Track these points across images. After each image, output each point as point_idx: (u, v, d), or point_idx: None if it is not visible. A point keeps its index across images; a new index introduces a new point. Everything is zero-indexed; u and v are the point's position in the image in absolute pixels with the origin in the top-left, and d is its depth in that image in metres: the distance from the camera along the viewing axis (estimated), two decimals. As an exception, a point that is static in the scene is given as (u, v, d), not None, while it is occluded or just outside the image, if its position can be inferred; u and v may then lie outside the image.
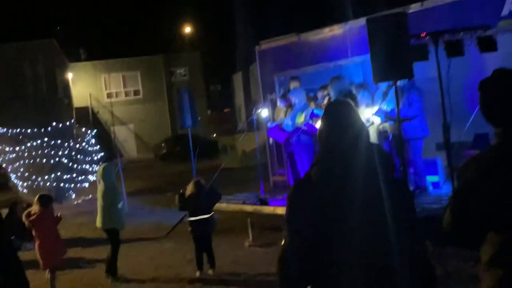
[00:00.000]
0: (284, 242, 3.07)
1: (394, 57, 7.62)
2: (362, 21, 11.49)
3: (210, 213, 8.96)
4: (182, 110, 12.54)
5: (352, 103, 3.18)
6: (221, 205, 11.63)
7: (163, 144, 38.14)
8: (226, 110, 60.08)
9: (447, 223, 2.91)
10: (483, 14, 9.31)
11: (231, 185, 16.42)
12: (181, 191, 9.16)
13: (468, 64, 9.74)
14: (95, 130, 23.90)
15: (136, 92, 46.75)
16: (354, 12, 13.98)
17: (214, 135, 46.81)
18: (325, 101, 10.67)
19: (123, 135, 43.83)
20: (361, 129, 3.06)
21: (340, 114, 3.09)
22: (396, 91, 7.93)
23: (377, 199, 2.91)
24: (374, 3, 18.10)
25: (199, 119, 14.02)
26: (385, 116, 10.17)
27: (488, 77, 2.90)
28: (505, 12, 9.19)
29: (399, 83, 9.74)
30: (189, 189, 8.93)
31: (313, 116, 10.41)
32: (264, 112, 11.72)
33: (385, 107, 10.02)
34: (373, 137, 10.53)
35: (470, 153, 10.43)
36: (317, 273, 2.96)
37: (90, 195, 18.75)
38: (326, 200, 2.92)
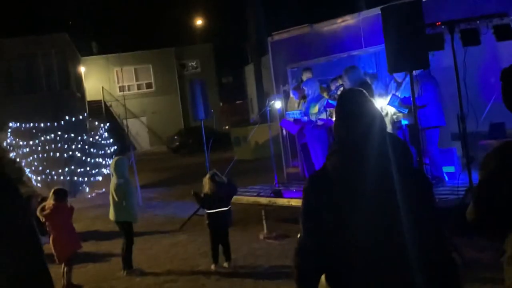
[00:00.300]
0: (300, 235, 3.04)
1: (409, 46, 7.54)
2: (375, 11, 11.38)
3: (227, 206, 8.92)
4: (195, 102, 12.49)
5: (365, 92, 3.12)
6: (235, 197, 11.62)
7: (175, 137, 38.17)
8: (238, 102, 60.07)
9: (471, 214, 2.86)
10: (498, 1, 9.17)
11: (244, 177, 16.43)
12: (192, 192, 9.09)
13: (484, 52, 9.64)
14: (107, 124, 23.91)
15: (148, 85, 46.81)
16: (367, 2, 13.83)
17: (227, 127, 46.84)
18: (339, 91, 10.59)
19: (136, 128, 43.92)
20: (375, 118, 3.00)
21: (353, 103, 3.03)
22: (411, 80, 7.85)
23: (393, 189, 2.86)
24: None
25: (211, 111, 13.97)
26: (398, 103, 10.09)
27: (510, 66, 2.83)
28: (521, -1, 9.05)
29: (414, 72, 9.68)
30: (206, 183, 8.87)
31: (328, 106, 10.34)
32: (277, 104, 11.65)
33: (399, 94, 9.94)
34: (387, 127, 10.45)
35: (485, 143, 10.33)
36: (333, 265, 2.92)
37: (104, 189, 18.79)
38: (341, 192, 2.88)
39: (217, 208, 8.85)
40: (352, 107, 3.01)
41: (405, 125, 10.11)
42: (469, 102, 8.38)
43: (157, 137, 44.71)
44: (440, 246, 2.89)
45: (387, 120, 10.56)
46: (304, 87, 10.94)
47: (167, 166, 28.61)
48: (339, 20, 12.28)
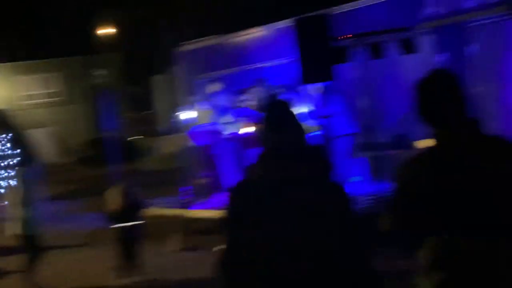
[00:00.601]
0: (223, 246, 3.01)
1: (320, 58, 7.69)
2: (284, 23, 11.55)
3: (138, 220, 8.71)
4: (102, 112, 12.22)
5: (289, 103, 3.15)
6: (145, 210, 11.43)
7: (84, 147, 37.30)
8: (145, 112, 59.42)
9: (385, 224, 2.89)
10: (403, 16, 9.48)
11: (153, 188, 16.15)
12: (104, 210, 8.84)
13: (390, 66, 9.93)
14: (10, 134, 23.04)
15: (57, 94, 45.56)
16: (276, 14, 14.01)
17: (134, 137, 46.19)
18: (248, 103, 10.65)
19: (43, 138, 42.58)
20: (299, 129, 3.04)
21: (278, 115, 3.05)
22: (323, 91, 8.00)
23: (315, 202, 2.88)
24: (296, 6, 18.28)
25: (120, 121, 13.73)
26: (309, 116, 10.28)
27: (425, 77, 2.89)
28: (423, 14, 9.38)
29: (322, 84, 9.87)
30: (115, 196, 8.62)
31: (240, 115, 10.37)
32: (186, 115, 11.57)
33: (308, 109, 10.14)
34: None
35: (390, 153, 10.63)
36: (256, 274, 2.90)
37: (6, 202, 18.05)
38: (264, 203, 2.87)
39: (128, 222, 8.64)
40: (278, 118, 3.03)
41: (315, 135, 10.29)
42: (374, 114, 8.61)
43: (65, 147, 43.52)
44: (360, 259, 2.90)
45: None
46: (213, 99, 10.92)
47: (75, 177, 27.89)
48: (248, 31, 12.37)
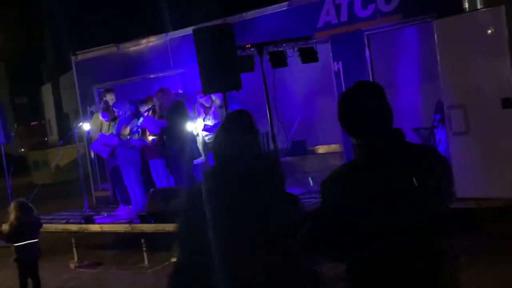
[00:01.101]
0: (178, 258, 2.99)
1: (222, 68, 7.67)
2: (182, 32, 11.47)
3: (37, 237, 8.27)
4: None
5: (247, 114, 3.14)
6: (43, 226, 10.96)
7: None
8: (33, 123, 57.46)
9: (311, 235, 2.89)
10: (301, 25, 9.65)
11: (48, 202, 15.57)
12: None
13: (289, 74, 10.08)
14: None
15: None
16: (174, 23, 13.89)
17: (22, 149, 44.45)
18: (150, 113, 10.49)
19: None
20: (256, 139, 3.04)
21: (238, 124, 3.04)
22: (225, 101, 7.98)
23: (268, 210, 2.90)
24: (193, 14, 18.23)
25: (12, 134, 13.15)
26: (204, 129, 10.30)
27: (350, 89, 2.92)
28: (320, 23, 9.59)
29: (220, 95, 9.87)
30: (13, 213, 8.16)
31: (142, 127, 10.20)
32: (85, 125, 11.23)
33: (209, 122, 10.13)
34: (200, 148, 10.54)
35: (287, 160, 10.79)
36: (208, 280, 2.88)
37: None
38: (217, 212, 2.88)
39: (25, 240, 8.19)
40: (232, 130, 3.02)
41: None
42: (279, 121, 8.71)
43: None
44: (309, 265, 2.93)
45: (199, 140, 10.68)
46: (114, 108, 10.67)
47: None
48: (146, 40, 12.19)
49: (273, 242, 2.89)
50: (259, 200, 2.90)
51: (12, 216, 8.15)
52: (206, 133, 10.28)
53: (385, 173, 2.75)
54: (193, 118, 10.52)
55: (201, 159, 10.55)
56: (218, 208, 2.90)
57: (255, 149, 3.03)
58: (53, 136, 44.63)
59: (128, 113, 10.71)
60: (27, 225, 8.13)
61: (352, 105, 2.85)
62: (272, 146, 8.60)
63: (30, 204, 8.44)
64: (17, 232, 8.12)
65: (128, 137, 10.34)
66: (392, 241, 2.71)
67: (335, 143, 11.62)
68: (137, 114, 10.97)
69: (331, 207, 2.76)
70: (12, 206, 8.25)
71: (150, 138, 10.36)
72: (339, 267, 2.89)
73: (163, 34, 11.84)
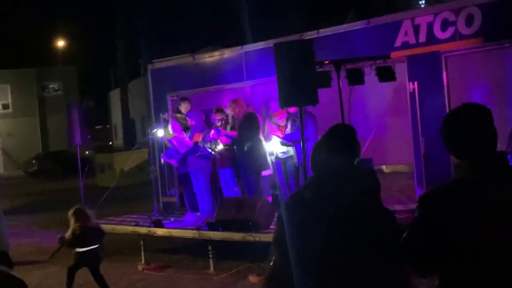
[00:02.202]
0: (274, 262, 3.07)
1: (300, 82, 7.75)
2: (258, 45, 11.67)
3: (98, 243, 8.40)
4: (71, 127, 12.06)
5: (352, 128, 3.22)
6: (112, 227, 11.29)
7: (33, 161, 36.57)
8: (97, 127, 58.76)
9: (405, 252, 2.95)
10: (378, 44, 9.70)
11: (113, 205, 15.95)
12: (59, 241, 8.45)
13: (365, 91, 10.14)
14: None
15: (5, 106, 44.61)
16: (249, 36, 14.11)
17: (87, 152, 45.55)
18: (222, 124, 10.66)
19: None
20: (357, 155, 3.11)
21: (341, 138, 3.11)
22: (301, 115, 8.08)
23: (370, 223, 2.96)
24: (269, 29, 18.43)
25: (88, 137, 13.57)
26: (282, 142, 10.43)
27: (458, 109, 2.96)
28: (397, 43, 9.62)
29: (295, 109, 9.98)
30: (73, 220, 8.25)
31: (215, 135, 10.38)
32: (159, 132, 11.51)
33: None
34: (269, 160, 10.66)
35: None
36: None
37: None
38: (320, 221, 2.94)
39: (87, 246, 8.29)
40: (341, 142, 3.08)
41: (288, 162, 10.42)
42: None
43: (12, 160, 42.55)
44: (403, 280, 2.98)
45: (267, 152, 10.81)
46: (188, 117, 10.90)
47: (25, 191, 27.24)
48: (222, 52, 12.44)
49: (370, 256, 2.95)
50: (359, 214, 2.97)
51: (73, 224, 8.23)
52: (279, 146, 10.39)
53: (495, 195, 2.78)
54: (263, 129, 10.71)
55: (269, 171, 10.67)
56: (322, 219, 2.97)
57: (356, 163, 3.10)
58: (118, 141, 45.61)
59: (201, 122, 10.92)
60: (88, 233, 8.24)
61: (461, 125, 2.88)
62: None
63: (91, 211, 8.57)
64: (79, 239, 8.20)
65: (200, 145, 10.53)
66: (490, 261, 2.74)
67: (402, 163, 11.60)
68: (209, 123, 11.18)
69: (431, 222, 2.80)
70: (71, 213, 8.31)
71: (221, 147, 10.53)
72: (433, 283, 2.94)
73: (239, 47, 12.06)
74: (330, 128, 3.28)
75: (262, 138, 10.73)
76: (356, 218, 2.96)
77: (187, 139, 10.74)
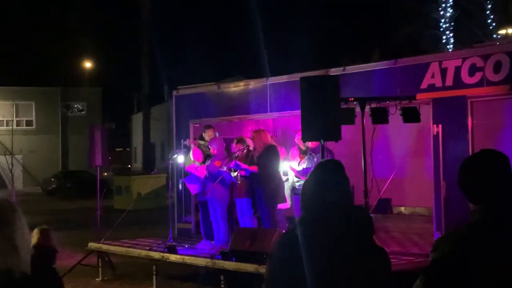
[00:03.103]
0: None
1: (324, 118, 7.77)
2: (283, 78, 11.74)
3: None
4: (92, 147, 12.13)
5: (340, 164, 3.18)
6: (126, 250, 11.29)
7: (52, 179, 36.81)
8: (118, 149, 59.18)
9: None
10: (405, 84, 9.71)
11: (129, 228, 15.95)
12: None
13: (389, 131, 10.12)
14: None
15: (28, 123, 45.09)
16: (272, 68, 14.23)
17: (105, 174, 45.81)
18: (243, 153, 10.66)
19: (10, 165, 41.97)
20: (347, 191, 3.07)
21: (332, 174, 3.07)
22: (322, 150, 8.08)
23: (362, 263, 2.91)
24: (294, 63, 18.60)
25: (109, 158, 13.64)
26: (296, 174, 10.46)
27: (477, 154, 2.98)
28: (424, 85, 9.62)
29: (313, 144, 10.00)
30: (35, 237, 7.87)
31: (235, 167, 10.37)
32: (180, 158, 11.54)
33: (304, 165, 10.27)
34: (287, 193, 10.65)
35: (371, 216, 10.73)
36: None
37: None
38: (313, 260, 2.89)
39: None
40: (331, 178, 3.04)
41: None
42: (373, 177, 8.72)
43: (31, 177, 42.84)
44: None
45: (287, 186, 10.81)
46: (210, 146, 10.92)
47: (42, 209, 27.36)
48: (247, 82, 12.52)
49: None
50: (352, 252, 2.93)
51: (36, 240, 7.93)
52: (297, 178, 10.40)
53: (505, 241, 2.76)
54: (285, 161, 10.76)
55: (287, 204, 10.65)
56: (310, 258, 2.93)
57: (347, 199, 3.07)
58: (137, 164, 45.82)
59: (223, 151, 10.93)
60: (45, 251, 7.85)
61: (475, 168, 2.89)
62: (363, 201, 8.59)
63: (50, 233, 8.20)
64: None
65: (220, 174, 10.52)
66: None
67: (421, 206, 11.51)
68: (230, 153, 11.19)
69: (436, 264, 2.77)
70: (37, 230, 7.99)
71: (238, 177, 10.52)
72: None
73: (264, 79, 12.13)
74: (319, 163, 3.26)
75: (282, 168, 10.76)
76: (348, 255, 2.92)
77: (203, 170, 10.75)
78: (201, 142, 11.52)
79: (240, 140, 10.84)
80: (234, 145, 11.06)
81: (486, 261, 2.74)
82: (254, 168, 10.34)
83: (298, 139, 10.51)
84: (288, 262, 2.96)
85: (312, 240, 2.94)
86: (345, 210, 3.02)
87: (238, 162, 10.36)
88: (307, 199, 3.08)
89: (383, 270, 3.01)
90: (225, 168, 10.40)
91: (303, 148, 10.63)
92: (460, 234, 2.90)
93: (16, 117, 44.81)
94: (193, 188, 11.04)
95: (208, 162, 10.82)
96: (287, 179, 10.84)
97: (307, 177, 3.17)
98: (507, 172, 2.91)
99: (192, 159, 11.10)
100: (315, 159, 10.24)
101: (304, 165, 10.46)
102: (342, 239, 2.93)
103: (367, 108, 8.64)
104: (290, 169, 10.90)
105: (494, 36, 28.23)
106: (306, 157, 10.49)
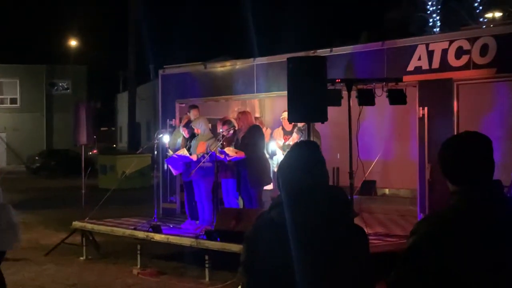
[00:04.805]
0: (242, 285, 3.00)
1: (310, 99, 7.77)
2: (270, 59, 11.69)
3: None
4: (78, 126, 12.06)
5: (317, 144, 3.17)
6: (110, 229, 11.29)
7: (36, 157, 36.62)
8: (103, 128, 58.90)
9: (393, 281, 2.88)
10: (392, 67, 9.70)
11: (113, 207, 15.86)
12: None
13: (375, 112, 10.13)
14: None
15: (12, 101, 44.74)
16: (261, 49, 14.17)
17: (90, 152, 45.63)
18: (229, 133, 10.63)
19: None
20: (325, 171, 3.06)
21: (308, 155, 3.05)
22: (309, 131, 8.08)
23: (340, 243, 2.91)
24: (282, 44, 18.53)
25: (94, 137, 13.57)
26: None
27: (460, 135, 2.98)
28: (410, 67, 9.61)
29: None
30: None
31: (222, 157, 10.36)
32: (165, 138, 11.50)
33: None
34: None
35: (355, 198, 10.77)
36: None
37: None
38: (289, 243, 2.87)
39: None
40: (309, 160, 3.02)
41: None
42: (358, 159, 8.74)
43: (15, 155, 42.60)
44: None
45: (273, 166, 10.82)
46: (193, 126, 10.87)
47: (26, 187, 27.24)
48: (233, 62, 12.46)
49: (342, 276, 2.90)
50: (330, 232, 2.92)
51: None
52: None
53: (485, 224, 2.77)
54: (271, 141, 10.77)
55: (271, 184, 10.65)
56: (287, 238, 2.92)
57: (324, 180, 3.06)
58: (123, 143, 45.66)
59: (207, 131, 10.90)
60: None
61: (458, 149, 2.89)
62: (348, 183, 8.62)
63: None
64: None
65: (205, 154, 10.49)
66: None
67: (406, 188, 11.55)
68: (216, 133, 11.15)
69: (424, 259, 2.75)
70: None
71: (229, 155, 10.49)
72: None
73: (251, 59, 12.06)
74: (295, 145, 3.23)
75: (266, 153, 10.77)
76: (327, 235, 2.92)
77: (189, 156, 10.72)
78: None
79: (226, 122, 10.81)
80: (220, 125, 11.01)
81: (463, 245, 2.74)
82: (241, 155, 10.29)
83: (283, 119, 10.52)
84: (264, 244, 2.94)
85: (290, 221, 2.92)
86: (322, 191, 3.00)
87: (226, 152, 10.31)
88: (283, 180, 3.05)
89: (362, 249, 3.01)
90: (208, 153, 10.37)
91: (287, 128, 10.62)
92: (438, 217, 2.90)
93: (0, 94, 44.47)
94: (175, 169, 11.04)
95: (193, 142, 10.79)
96: (273, 160, 10.84)
97: (283, 158, 3.15)
98: (488, 154, 2.91)
99: (186, 136, 11.09)
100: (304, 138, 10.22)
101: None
102: (320, 219, 2.91)
103: (354, 89, 8.63)
104: (279, 149, 10.91)
105: (481, 19, 28.27)
106: (295, 132, 10.49)
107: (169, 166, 11.31)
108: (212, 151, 10.22)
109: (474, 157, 2.88)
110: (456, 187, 2.88)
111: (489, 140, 2.93)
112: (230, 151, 10.29)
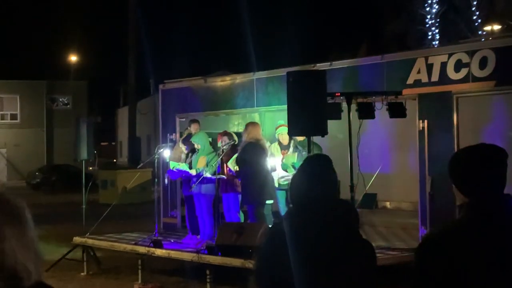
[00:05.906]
0: None
1: (310, 112, 7.78)
2: (269, 73, 11.74)
3: None
4: (79, 141, 12.06)
5: (329, 158, 3.19)
6: (110, 244, 11.26)
7: (37, 173, 36.61)
8: (103, 143, 58.91)
9: None
10: (391, 80, 9.73)
11: (114, 222, 15.86)
12: None
13: (374, 126, 10.14)
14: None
15: (13, 116, 44.79)
16: (260, 63, 14.22)
17: (90, 168, 45.60)
18: (228, 147, 10.62)
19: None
20: (336, 184, 3.09)
21: (320, 169, 3.08)
22: (309, 144, 8.10)
23: (349, 256, 2.92)
24: (281, 57, 18.59)
25: (95, 152, 13.59)
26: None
27: (473, 147, 2.95)
28: (410, 80, 9.65)
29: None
30: None
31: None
32: (166, 152, 11.52)
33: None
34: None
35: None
36: None
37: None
38: (300, 252, 2.89)
39: None
40: (320, 173, 3.05)
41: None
42: (359, 172, 8.75)
43: (16, 171, 42.58)
44: None
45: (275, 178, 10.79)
46: (193, 141, 10.85)
47: (27, 203, 26.73)
48: (233, 77, 12.50)
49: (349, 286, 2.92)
50: (338, 245, 2.94)
51: None
52: (281, 174, 10.39)
53: (493, 238, 2.75)
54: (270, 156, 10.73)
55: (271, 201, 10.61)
56: (296, 249, 2.93)
57: (334, 193, 3.09)
58: (123, 158, 45.65)
59: (207, 146, 10.89)
60: None
61: (471, 164, 2.86)
62: (349, 196, 8.61)
63: None
64: None
65: (204, 169, 10.48)
66: None
67: (406, 201, 11.56)
68: (216, 147, 11.15)
69: (429, 273, 2.74)
70: None
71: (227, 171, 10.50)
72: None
73: (250, 73, 12.12)
74: (308, 157, 3.29)
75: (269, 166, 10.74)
76: (334, 248, 2.93)
77: (189, 171, 10.75)
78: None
79: (226, 134, 10.81)
80: (220, 137, 11.00)
81: (474, 257, 2.72)
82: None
83: (279, 135, 10.50)
84: (275, 254, 2.97)
85: (299, 233, 2.95)
86: (332, 204, 3.04)
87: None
88: (295, 192, 3.09)
89: (369, 262, 3.03)
90: (209, 170, 10.38)
91: (284, 143, 10.60)
92: (448, 229, 2.88)
93: (0, 110, 44.53)
94: (173, 177, 11.08)
95: (193, 157, 10.80)
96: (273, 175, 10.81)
97: (296, 171, 3.19)
98: (501, 167, 2.88)
99: (185, 151, 11.10)
100: (303, 153, 10.20)
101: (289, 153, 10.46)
102: (329, 232, 2.94)
103: (354, 103, 8.64)
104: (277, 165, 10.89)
105: (480, 32, 28.36)
106: (292, 148, 10.47)
107: (168, 175, 11.33)
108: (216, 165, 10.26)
109: (483, 168, 2.85)
110: (467, 199, 2.86)
111: (503, 152, 2.90)
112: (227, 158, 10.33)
